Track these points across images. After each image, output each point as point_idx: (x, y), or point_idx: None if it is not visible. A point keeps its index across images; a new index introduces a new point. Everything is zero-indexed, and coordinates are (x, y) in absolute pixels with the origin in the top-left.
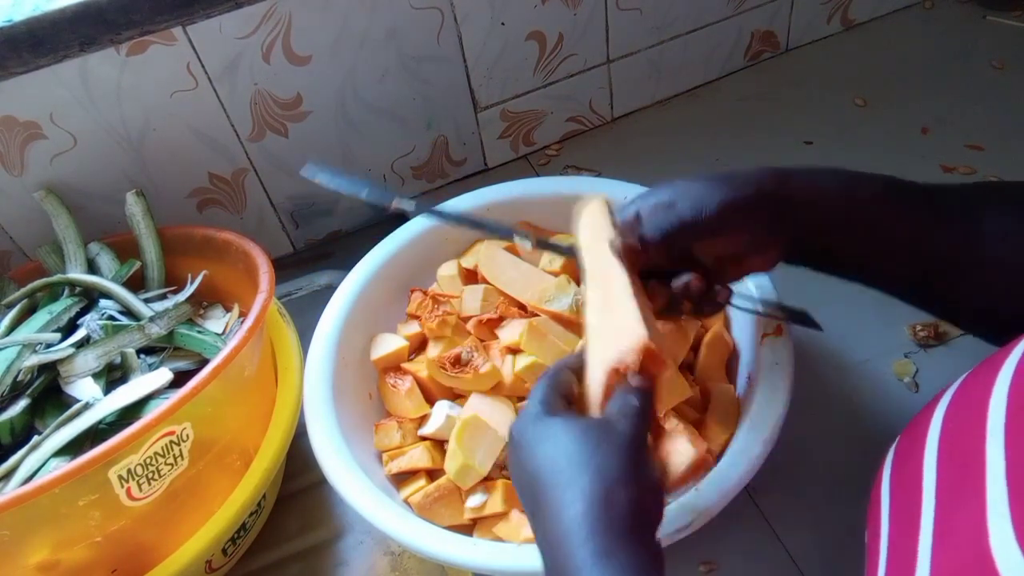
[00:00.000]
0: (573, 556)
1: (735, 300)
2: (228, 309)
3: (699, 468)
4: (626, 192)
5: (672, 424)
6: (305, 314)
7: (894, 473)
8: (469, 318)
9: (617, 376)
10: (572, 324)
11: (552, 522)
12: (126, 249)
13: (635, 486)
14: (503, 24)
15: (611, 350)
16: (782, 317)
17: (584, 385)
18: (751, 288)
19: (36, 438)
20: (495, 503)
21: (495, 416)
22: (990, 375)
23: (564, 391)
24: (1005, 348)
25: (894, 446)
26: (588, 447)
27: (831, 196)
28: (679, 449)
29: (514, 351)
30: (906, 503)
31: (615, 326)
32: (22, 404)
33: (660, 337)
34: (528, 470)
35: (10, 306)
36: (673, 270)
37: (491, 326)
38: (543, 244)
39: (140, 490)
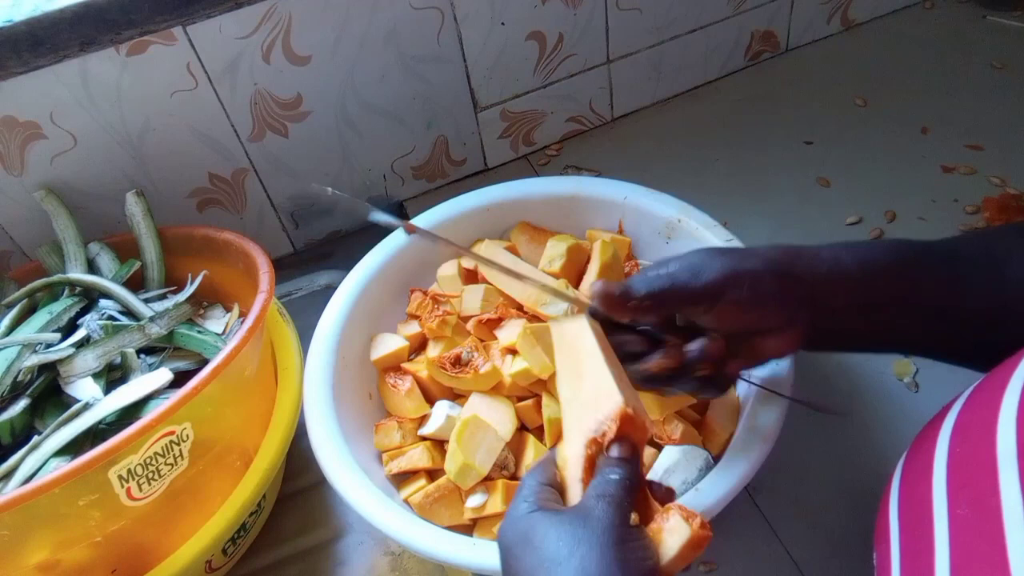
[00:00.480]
0: None
1: (750, 376)
2: (228, 309)
3: (696, 546)
4: (626, 192)
5: (664, 516)
6: (305, 314)
7: (902, 498)
8: (469, 318)
9: (597, 447)
10: None
11: None
12: (126, 249)
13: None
14: (503, 24)
15: (588, 420)
16: (801, 401)
17: (564, 464)
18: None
19: (36, 438)
20: (495, 503)
21: (495, 416)
22: (996, 394)
23: (551, 481)
24: (1008, 363)
25: (900, 466)
26: (567, 546)
27: (847, 271)
28: (671, 527)
29: (514, 351)
30: (916, 534)
31: (589, 395)
32: (22, 404)
33: (637, 399)
34: (512, 572)
35: (10, 306)
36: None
37: (491, 326)
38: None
39: (140, 490)
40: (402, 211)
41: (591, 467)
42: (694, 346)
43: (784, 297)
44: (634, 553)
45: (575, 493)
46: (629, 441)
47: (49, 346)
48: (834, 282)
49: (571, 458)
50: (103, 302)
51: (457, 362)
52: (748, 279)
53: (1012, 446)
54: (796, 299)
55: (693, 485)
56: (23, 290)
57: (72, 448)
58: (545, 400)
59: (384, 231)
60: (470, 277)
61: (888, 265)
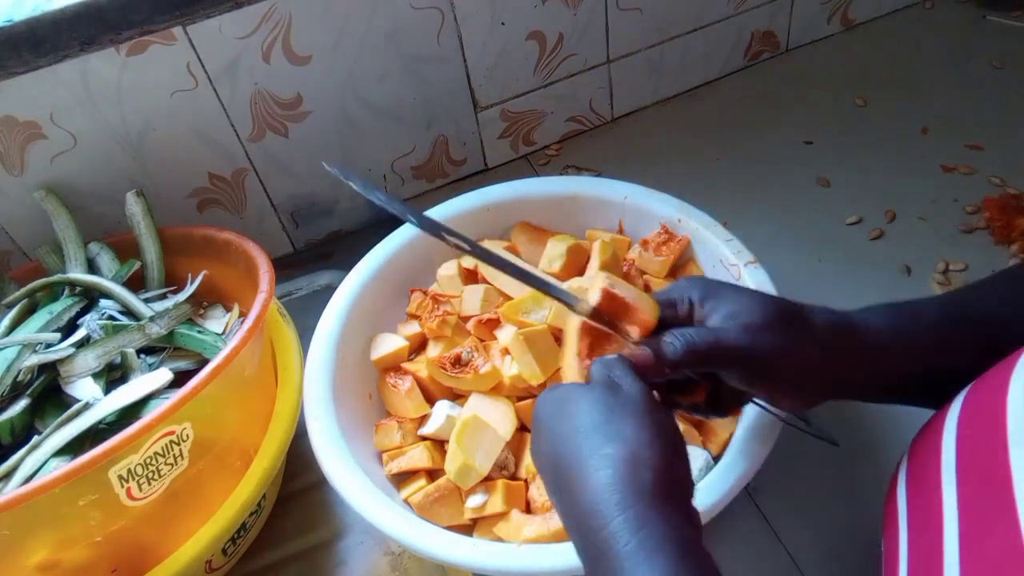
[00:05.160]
0: (604, 529)
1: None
2: (228, 309)
3: None
4: (626, 192)
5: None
6: (305, 314)
7: (910, 485)
8: (469, 318)
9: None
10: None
11: (579, 494)
12: (126, 249)
13: (660, 448)
14: (503, 24)
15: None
16: (803, 427)
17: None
18: None
19: (36, 438)
20: (495, 503)
21: (495, 416)
22: (1003, 378)
23: None
24: (1016, 353)
25: (906, 457)
26: (601, 413)
27: (893, 355)
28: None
29: None
30: (924, 519)
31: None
32: (22, 404)
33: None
34: (548, 444)
35: (10, 306)
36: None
37: (491, 326)
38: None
39: (140, 490)
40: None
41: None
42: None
43: (823, 389)
44: (660, 417)
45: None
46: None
47: (49, 346)
48: (877, 375)
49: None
50: (103, 302)
51: (457, 362)
52: (798, 363)
53: (1021, 430)
54: (834, 388)
55: (694, 485)
56: (23, 290)
57: (72, 448)
58: None
59: (384, 231)
60: (470, 277)
61: (930, 334)
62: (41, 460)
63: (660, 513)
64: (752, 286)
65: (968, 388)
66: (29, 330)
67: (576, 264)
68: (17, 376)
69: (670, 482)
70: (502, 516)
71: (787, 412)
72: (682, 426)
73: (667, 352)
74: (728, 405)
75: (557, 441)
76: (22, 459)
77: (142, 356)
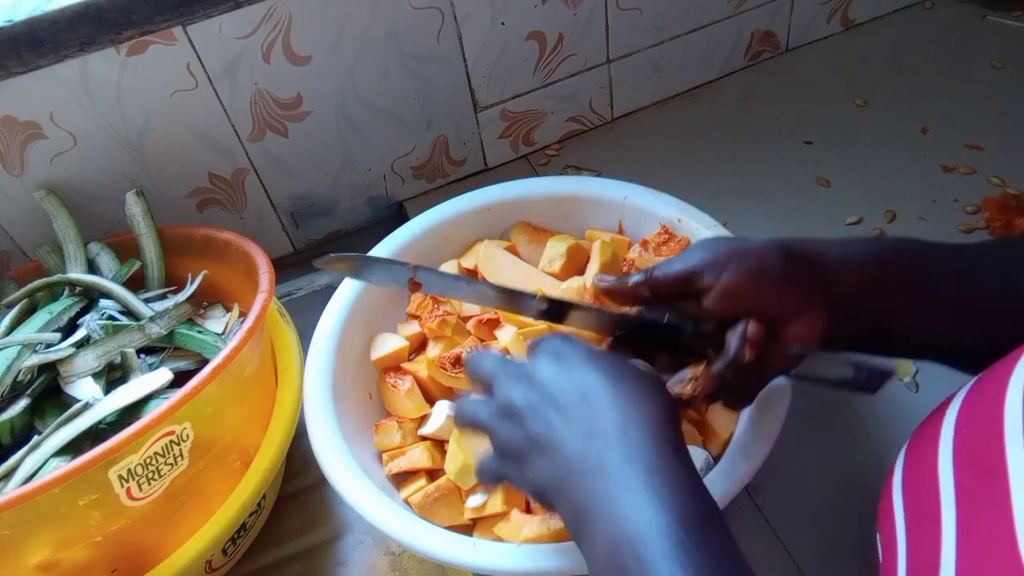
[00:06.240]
0: (616, 476)
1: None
2: (228, 309)
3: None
4: (626, 192)
5: None
6: (305, 314)
7: (906, 478)
8: (469, 318)
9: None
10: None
11: (599, 437)
12: (126, 249)
13: (660, 401)
14: (503, 24)
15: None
16: (859, 377)
17: None
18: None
19: (36, 438)
20: (495, 503)
21: None
22: (1002, 378)
23: None
24: (1015, 352)
25: (904, 451)
26: (611, 371)
27: (856, 255)
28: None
29: None
30: (922, 510)
31: None
32: (22, 404)
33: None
34: (567, 382)
35: (10, 306)
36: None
37: (491, 326)
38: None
39: (140, 490)
40: (402, 211)
41: None
42: (734, 332)
43: (794, 274)
44: (657, 380)
45: None
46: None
47: (49, 346)
48: (844, 264)
49: None
50: (103, 302)
51: (457, 362)
52: (753, 254)
53: (1020, 422)
54: (806, 277)
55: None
56: (23, 290)
57: (72, 448)
58: None
59: (384, 231)
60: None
61: (897, 252)
62: (41, 460)
63: (671, 466)
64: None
65: (966, 390)
66: (29, 330)
67: (576, 264)
68: (17, 376)
69: (674, 437)
70: (502, 516)
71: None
72: (685, 426)
73: (632, 275)
74: (744, 385)
75: (579, 375)
76: (22, 459)
77: (142, 356)
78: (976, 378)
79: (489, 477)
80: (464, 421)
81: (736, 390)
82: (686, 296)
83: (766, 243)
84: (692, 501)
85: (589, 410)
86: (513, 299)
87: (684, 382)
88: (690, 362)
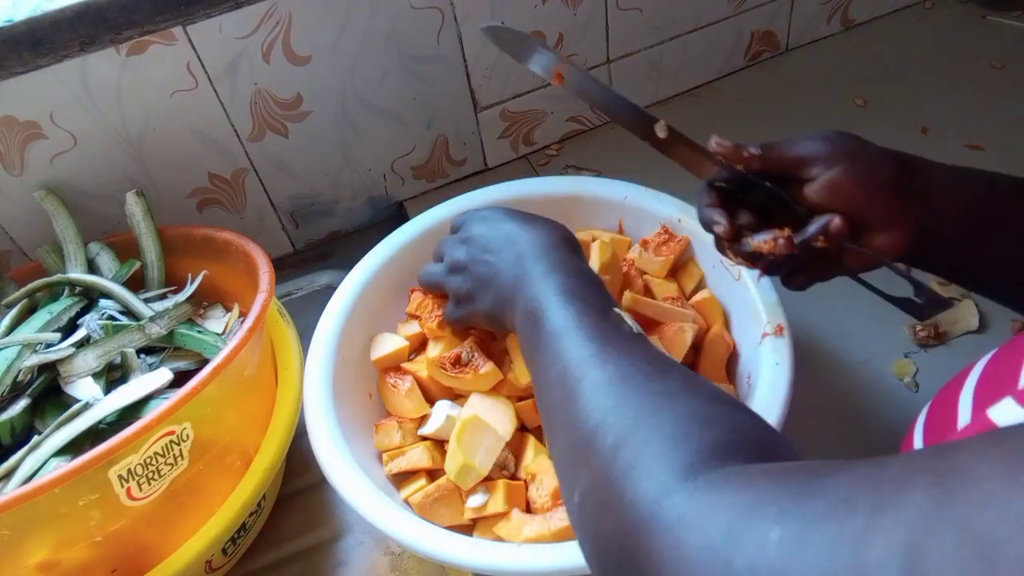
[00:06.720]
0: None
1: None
2: (228, 309)
3: None
4: (626, 192)
5: None
6: (305, 314)
7: (928, 431)
8: None
9: None
10: None
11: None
12: (126, 249)
13: (562, 230)
14: (503, 24)
15: None
16: (914, 292)
17: None
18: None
19: (36, 438)
20: (495, 503)
21: (495, 416)
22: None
23: None
24: None
25: (925, 411)
26: (525, 217)
27: (962, 178)
28: None
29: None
30: (940, 429)
31: None
32: (22, 404)
33: None
34: (496, 233)
35: (10, 306)
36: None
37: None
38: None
39: (140, 490)
40: (402, 211)
41: None
42: (820, 221)
43: (898, 185)
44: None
45: None
46: None
47: (49, 346)
48: (953, 186)
49: None
50: (103, 302)
51: (457, 362)
52: (868, 158)
53: None
54: (910, 192)
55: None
56: (23, 290)
57: (72, 448)
58: None
59: (384, 231)
60: None
61: (1009, 189)
62: (41, 460)
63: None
64: (752, 286)
65: (988, 357)
66: (29, 330)
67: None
68: (17, 376)
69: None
70: (502, 516)
71: (896, 272)
72: None
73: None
74: (810, 269)
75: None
76: (22, 459)
77: (142, 356)
78: (996, 350)
79: (453, 319)
80: (424, 283)
81: (798, 270)
82: (792, 178)
83: (882, 151)
84: (580, 277)
85: (513, 246)
86: (637, 117)
87: (765, 240)
88: (771, 227)
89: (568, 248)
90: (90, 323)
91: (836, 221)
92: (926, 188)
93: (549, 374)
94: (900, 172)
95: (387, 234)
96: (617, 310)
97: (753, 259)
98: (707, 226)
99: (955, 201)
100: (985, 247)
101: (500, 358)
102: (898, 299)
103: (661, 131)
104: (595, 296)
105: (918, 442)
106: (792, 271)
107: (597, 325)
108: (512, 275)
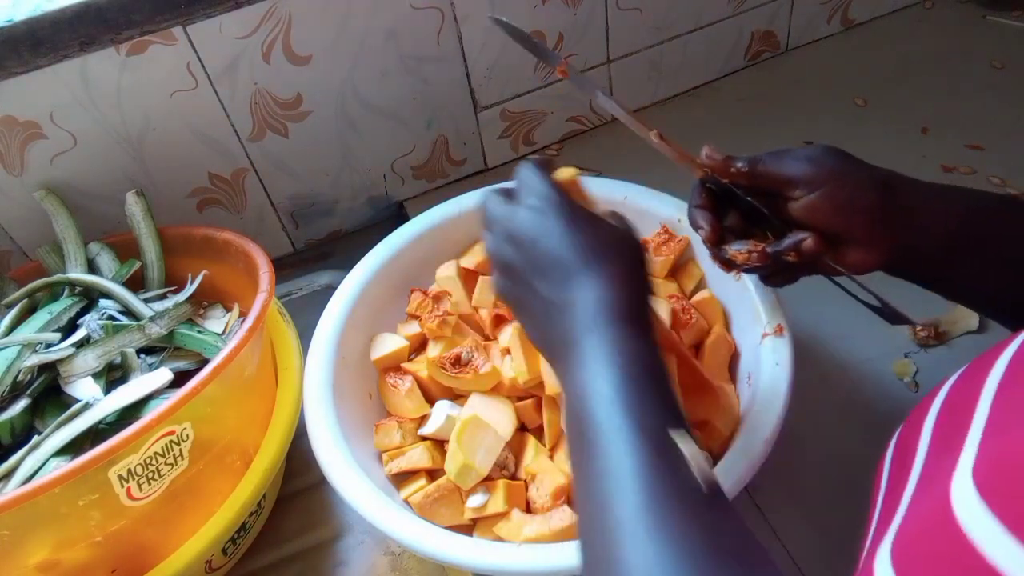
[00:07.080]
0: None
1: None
2: (228, 309)
3: None
4: (626, 192)
5: None
6: (305, 314)
7: (896, 447)
8: (471, 317)
9: None
10: None
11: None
12: (126, 249)
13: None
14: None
15: None
16: (878, 307)
17: None
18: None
19: (36, 438)
20: (495, 503)
21: (495, 416)
22: (996, 352)
23: None
24: (1001, 344)
25: (899, 429)
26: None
27: (953, 202)
28: None
29: None
30: (901, 464)
31: None
32: (22, 404)
33: None
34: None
35: (10, 306)
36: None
37: (498, 322)
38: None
39: (140, 490)
40: (402, 211)
41: None
42: (795, 237)
43: (878, 209)
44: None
45: None
46: None
47: (49, 346)
48: (933, 202)
49: None
50: (103, 302)
51: (457, 362)
52: (851, 182)
53: (997, 380)
54: (890, 213)
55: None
56: (23, 290)
57: (72, 448)
58: (545, 400)
59: (384, 231)
60: (469, 277)
61: (994, 209)
62: (41, 460)
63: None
64: (752, 288)
65: (960, 372)
66: (29, 330)
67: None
68: (17, 376)
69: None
70: (502, 516)
71: (861, 288)
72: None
73: (740, 156)
74: (785, 273)
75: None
76: (22, 459)
77: (142, 356)
78: (961, 371)
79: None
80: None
81: (774, 272)
82: (775, 194)
83: (867, 172)
84: (642, 376)
85: (567, 290)
86: (635, 125)
87: (740, 251)
88: (755, 233)
89: (634, 310)
90: (90, 323)
91: (808, 241)
92: (909, 208)
93: (586, 506)
94: (882, 196)
95: (387, 234)
96: (674, 434)
97: (729, 265)
98: (693, 227)
99: (938, 221)
100: (965, 264)
101: (500, 358)
102: (867, 303)
103: (655, 138)
104: (655, 407)
105: (925, 440)
106: (770, 273)
107: (652, 465)
108: (562, 331)
